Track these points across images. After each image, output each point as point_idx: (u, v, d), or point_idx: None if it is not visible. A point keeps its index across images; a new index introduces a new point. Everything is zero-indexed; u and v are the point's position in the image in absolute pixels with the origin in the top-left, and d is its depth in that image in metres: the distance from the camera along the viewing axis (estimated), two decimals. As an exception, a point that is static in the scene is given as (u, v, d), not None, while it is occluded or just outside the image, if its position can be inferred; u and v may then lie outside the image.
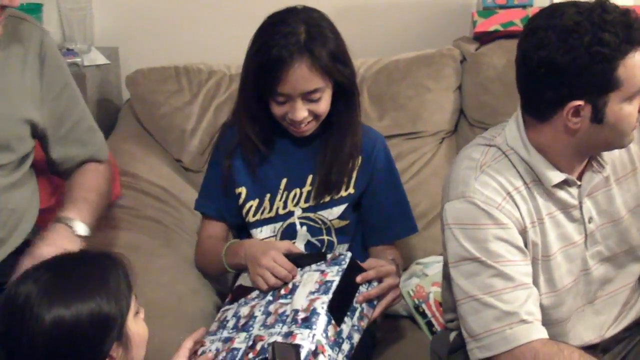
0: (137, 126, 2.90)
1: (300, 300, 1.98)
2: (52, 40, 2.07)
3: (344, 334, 1.96)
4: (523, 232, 1.88)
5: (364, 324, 2.04)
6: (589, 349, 1.93)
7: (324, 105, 2.16)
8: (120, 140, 2.86)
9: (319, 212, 2.27)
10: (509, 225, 1.85)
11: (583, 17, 1.74)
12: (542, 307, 1.89)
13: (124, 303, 1.56)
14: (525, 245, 1.88)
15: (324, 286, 2.00)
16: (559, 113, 1.81)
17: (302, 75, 2.08)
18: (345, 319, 1.98)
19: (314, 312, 1.93)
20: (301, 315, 1.93)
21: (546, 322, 1.87)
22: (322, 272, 2.03)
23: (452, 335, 2.10)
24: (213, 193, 2.34)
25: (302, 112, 2.13)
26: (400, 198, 2.35)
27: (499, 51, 2.81)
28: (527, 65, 1.83)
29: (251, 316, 2.01)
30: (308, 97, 2.12)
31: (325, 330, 1.91)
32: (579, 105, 1.77)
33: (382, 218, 2.31)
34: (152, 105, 2.84)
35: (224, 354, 1.93)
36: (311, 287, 2.01)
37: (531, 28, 1.82)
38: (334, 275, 2.02)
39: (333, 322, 1.94)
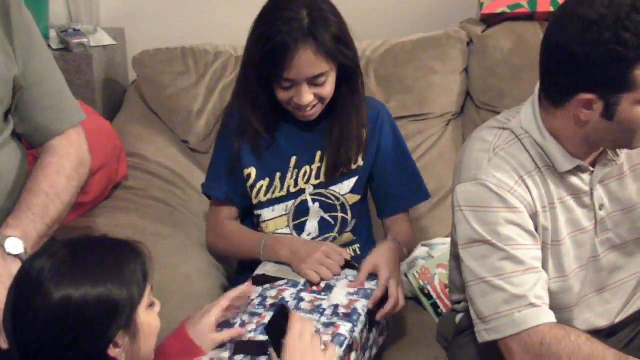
0: (144, 107, 2.90)
1: (339, 297, 2.01)
2: None
3: (370, 342, 2.00)
4: (534, 216, 1.88)
5: (381, 341, 2.10)
6: (594, 333, 1.93)
7: (329, 89, 2.16)
8: (127, 121, 2.87)
9: (331, 188, 2.28)
10: (520, 209, 1.85)
11: (610, 12, 1.70)
12: (550, 292, 1.89)
13: (136, 292, 1.55)
14: (536, 229, 1.88)
15: (363, 291, 2.03)
16: (571, 101, 1.79)
17: (308, 61, 2.08)
18: (373, 329, 2.02)
19: (355, 311, 1.96)
20: (342, 310, 1.96)
21: (553, 307, 1.87)
22: (334, 324, 2.00)
23: (459, 317, 2.11)
24: (221, 176, 2.33)
25: (308, 96, 2.13)
26: (409, 164, 2.36)
27: (505, 33, 2.81)
28: (547, 47, 1.81)
29: (280, 299, 2.02)
30: (314, 81, 2.12)
31: (362, 331, 1.94)
32: (591, 98, 1.75)
33: (393, 186, 2.32)
34: (159, 86, 2.84)
35: (253, 326, 1.93)
36: (349, 289, 2.04)
37: (560, 11, 1.80)
38: (372, 285, 2.05)
39: (368, 327, 1.98)
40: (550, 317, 1.83)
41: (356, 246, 2.34)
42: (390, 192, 2.33)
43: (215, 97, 2.81)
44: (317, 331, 1.88)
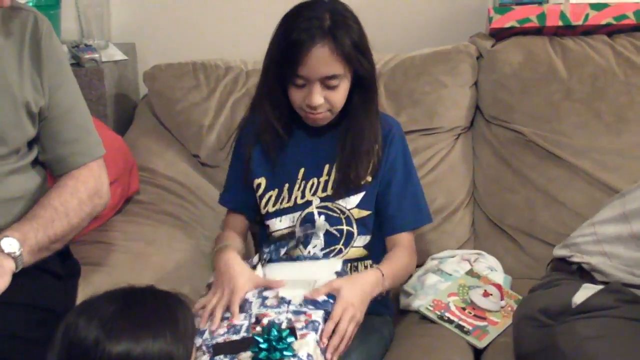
0: (155, 122, 2.91)
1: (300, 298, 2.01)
2: (48, 23, 2.03)
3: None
4: None
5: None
6: None
7: (340, 96, 2.17)
8: (138, 135, 2.88)
9: (337, 201, 2.28)
10: None
11: None
12: None
13: (190, 346, 1.48)
14: None
15: (318, 304, 1.98)
16: None
17: (323, 58, 2.10)
18: None
19: (326, 302, 1.98)
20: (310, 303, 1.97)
21: None
22: (305, 313, 1.98)
23: (581, 295, 2.01)
24: (233, 186, 2.37)
25: (318, 97, 2.14)
26: (413, 186, 2.35)
27: (514, 48, 2.81)
28: None
29: (245, 300, 2.02)
30: (326, 82, 2.13)
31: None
32: None
33: (395, 204, 2.30)
34: (170, 100, 2.86)
35: (224, 329, 1.94)
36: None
37: None
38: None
39: None
40: None
41: (368, 262, 2.32)
42: (391, 210, 2.30)
43: (226, 111, 2.82)
44: (289, 320, 1.89)
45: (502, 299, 2.42)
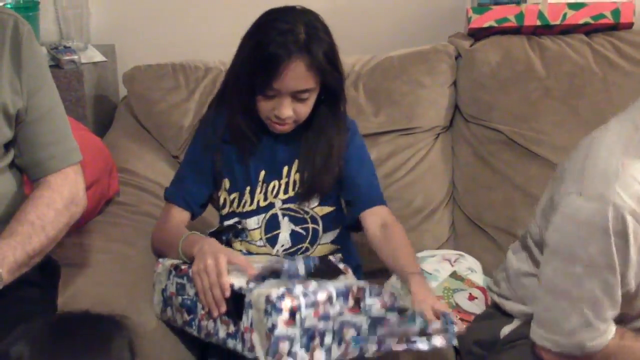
0: (134, 123, 2.91)
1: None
2: (29, 27, 2.00)
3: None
4: None
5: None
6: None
7: (308, 108, 2.18)
8: (118, 137, 2.88)
9: (298, 202, 2.30)
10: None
11: None
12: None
13: None
14: None
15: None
16: None
17: (299, 74, 2.10)
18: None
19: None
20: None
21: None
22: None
23: (508, 328, 2.09)
24: (187, 182, 2.32)
25: (288, 110, 2.14)
26: (369, 170, 2.35)
27: (493, 47, 2.82)
28: None
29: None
30: (297, 95, 2.14)
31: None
32: None
33: (366, 183, 2.30)
34: (149, 102, 2.86)
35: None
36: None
37: None
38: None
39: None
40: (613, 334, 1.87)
41: (339, 256, 2.32)
42: (363, 188, 2.29)
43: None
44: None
45: (486, 302, 2.43)
